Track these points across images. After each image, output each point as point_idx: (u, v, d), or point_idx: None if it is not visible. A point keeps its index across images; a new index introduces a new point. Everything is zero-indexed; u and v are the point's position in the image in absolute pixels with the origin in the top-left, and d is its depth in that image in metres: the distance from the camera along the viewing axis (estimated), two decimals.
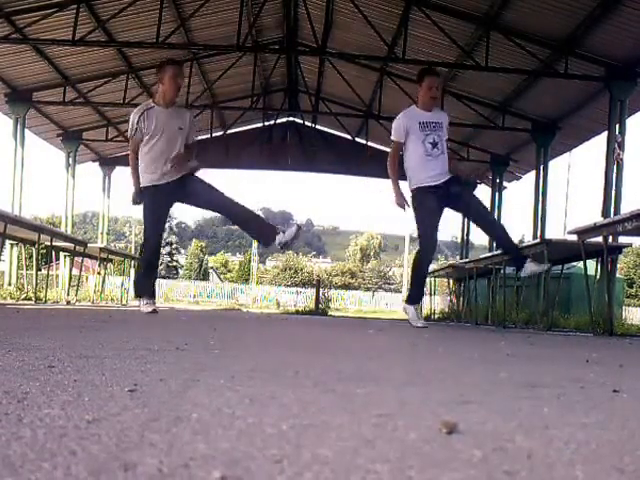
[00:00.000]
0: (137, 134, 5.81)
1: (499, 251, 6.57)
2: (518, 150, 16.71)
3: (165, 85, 5.84)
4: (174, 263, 67.17)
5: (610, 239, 7.58)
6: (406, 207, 6.02)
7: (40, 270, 13.99)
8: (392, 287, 68.62)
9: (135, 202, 5.91)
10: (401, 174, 6.08)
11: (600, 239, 7.17)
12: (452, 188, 5.94)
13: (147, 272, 6.12)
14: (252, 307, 30.12)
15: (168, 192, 5.82)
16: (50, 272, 14.76)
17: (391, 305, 40.28)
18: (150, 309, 5.90)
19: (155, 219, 5.92)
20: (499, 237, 6.33)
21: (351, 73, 15.52)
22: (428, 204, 5.90)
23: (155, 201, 5.84)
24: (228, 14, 13.51)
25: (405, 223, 47.79)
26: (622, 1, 9.34)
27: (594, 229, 7.00)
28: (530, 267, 6.06)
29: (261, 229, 6.11)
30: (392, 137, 6.08)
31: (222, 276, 75.12)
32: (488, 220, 6.33)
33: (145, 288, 6.08)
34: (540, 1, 10.28)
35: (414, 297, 6.26)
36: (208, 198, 5.98)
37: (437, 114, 6.06)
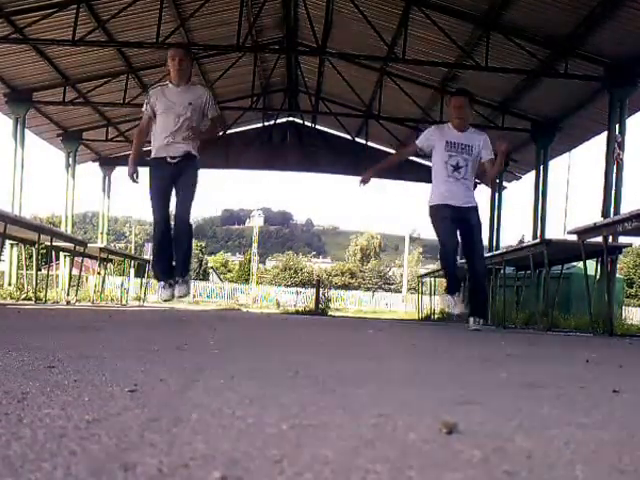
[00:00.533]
0: (147, 110, 5.89)
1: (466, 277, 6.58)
2: (518, 150, 16.71)
3: (168, 69, 5.98)
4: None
5: (610, 239, 7.58)
6: (362, 185, 6.09)
7: (40, 270, 13.99)
8: (392, 287, 68.63)
9: (131, 177, 5.91)
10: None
11: (600, 239, 7.17)
12: (468, 216, 5.96)
13: (159, 255, 6.10)
14: (252, 307, 30.12)
15: (167, 166, 5.84)
16: (50, 272, 14.76)
17: (391, 305, 40.26)
18: (165, 295, 5.87)
19: (158, 194, 5.90)
20: (476, 279, 6.25)
21: (351, 73, 15.52)
22: (442, 214, 5.94)
23: (156, 174, 5.87)
24: (228, 14, 13.51)
25: (405, 223, 47.78)
26: (622, 1, 9.34)
27: (594, 229, 7.00)
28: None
29: (175, 261, 6.09)
30: (417, 141, 6.13)
31: (222, 276, 75.14)
32: (480, 263, 6.22)
33: (160, 271, 6.06)
34: (540, 1, 10.28)
35: (450, 287, 6.29)
36: (179, 193, 5.95)
37: (470, 136, 5.95)
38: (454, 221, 5.93)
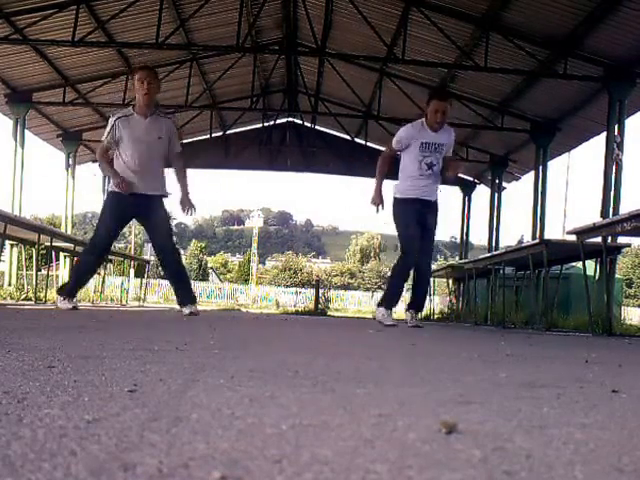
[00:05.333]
0: (109, 140, 5.71)
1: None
2: (517, 150, 16.72)
3: (136, 91, 5.74)
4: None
5: (609, 239, 7.59)
6: (379, 208, 6.06)
7: (40, 270, 13.98)
8: None
9: (121, 187, 5.79)
10: (389, 173, 6.13)
11: (599, 239, 7.18)
12: (428, 213, 5.98)
13: (81, 271, 6.10)
14: (252, 307, 30.11)
15: (131, 203, 5.72)
16: (50, 272, 14.76)
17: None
18: (70, 305, 5.85)
19: (111, 220, 5.84)
20: (420, 273, 6.21)
21: (350, 74, 15.53)
22: (409, 212, 5.93)
23: (113, 204, 5.77)
24: (228, 15, 13.52)
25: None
26: (621, 2, 9.34)
27: (593, 229, 7.01)
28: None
29: (183, 294, 6.15)
30: (393, 144, 6.09)
31: (222, 276, 75.14)
32: (426, 260, 6.16)
33: (70, 289, 6.03)
34: (539, 2, 10.29)
35: (387, 301, 6.27)
36: (160, 234, 5.88)
37: (442, 134, 5.99)
38: (419, 214, 5.92)
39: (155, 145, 5.68)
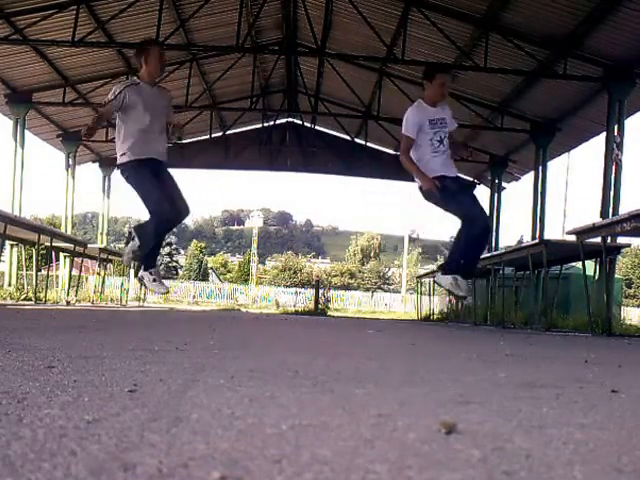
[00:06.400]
0: (115, 102, 5.73)
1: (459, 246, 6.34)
2: (517, 151, 16.72)
3: (151, 64, 5.81)
4: (174, 263, 67.11)
5: (609, 239, 7.59)
6: (438, 192, 5.91)
7: (40, 271, 13.98)
8: (391, 287, 68.64)
9: (84, 133, 5.74)
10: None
11: (599, 239, 7.18)
12: (461, 183, 5.95)
13: (156, 245, 6.06)
14: (251, 307, 30.11)
15: (152, 166, 5.80)
16: (50, 273, 14.75)
17: (390, 306, 40.26)
18: (163, 289, 5.81)
19: (154, 188, 5.85)
20: (469, 242, 5.87)
21: (350, 74, 15.53)
22: (448, 186, 5.85)
23: (146, 174, 5.80)
24: (227, 15, 13.52)
25: (404, 224, 47.77)
26: (621, 2, 9.35)
27: (593, 230, 7.00)
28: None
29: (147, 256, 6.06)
30: (404, 132, 5.94)
31: (222, 276, 75.07)
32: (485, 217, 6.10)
33: (149, 261, 6.01)
34: (539, 2, 10.29)
35: (450, 267, 6.11)
36: (178, 196, 5.92)
37: (441, 109, 5.97)
38: (451, 185, 5.86)
39: (162, 113, 5.81)
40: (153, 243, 6.10)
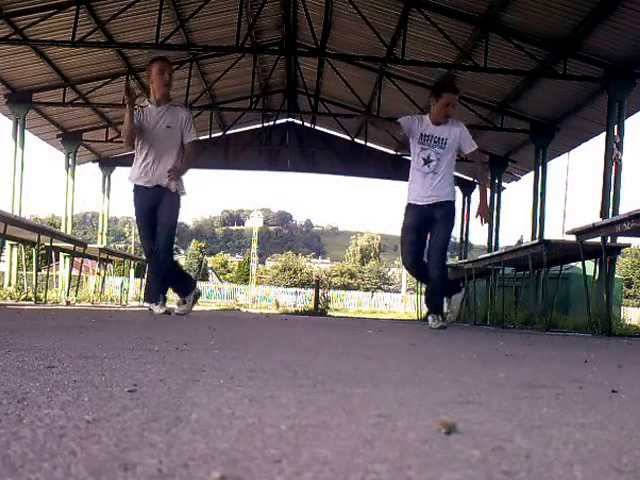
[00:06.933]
0: (136, 119, 5.75)
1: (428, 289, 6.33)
2: (517, 151, 16.73)
3: (154, 82, 5.76)
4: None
5: (608, 240, 7.59)
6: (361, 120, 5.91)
7: (40, 271, 13.98)
8: (391, 288, 68.66)
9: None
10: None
11: (599, 240, 7.18)
12: (435, 212, 5.69)
13: (151, 279, 6.15)
14: (251, 307, 30.12)
15: (148, 195, 5.72)
16: (50, 273, 14.76)
17: (390, 306, 40.28)
18: (162, 310, 5.89)
19: (140, 220, 5.84)
20: (434, 275, 5.85)
21: (350, 74, 15.53)
22: (408, 221, 5.83)
23: (137, 201, 5.79)
24: (227, 15, 13.52)
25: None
26: (621, 2, 9.35)
27: (593, 230, 7.01)
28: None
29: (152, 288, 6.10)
30: (400, 120, 5.87)
31: (221, 276, 75.08)
32: (433, 270, 5.81)
33: (150, 295, 6.10)
34: (539, 2, 10.29)
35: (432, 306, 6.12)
36: (159, 228, 5.82)
37: (448, 129, 5.74)
38: (420, 223, 5.76)
39: (164, 134, 5.67)
40: (150, 276, 6.21)
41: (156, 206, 5.71)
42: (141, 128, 5.64)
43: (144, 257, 6.24)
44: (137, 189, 5.73)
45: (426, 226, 5.75)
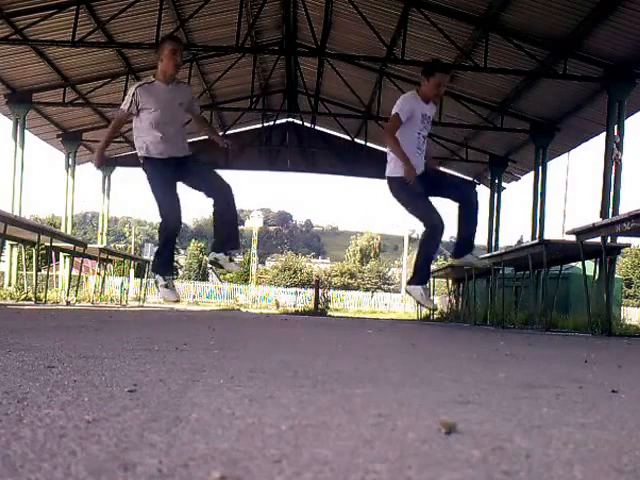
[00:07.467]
0: (131, 107, 5.76)
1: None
2: (517, 151, 16.73)
3: (164, 62, 5.80)
4: (173, 263, 67.12)
5: (608, 240, 7.58)
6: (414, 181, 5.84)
7: (40, 271, 13.98)
8: (391, 287, 68.66)
9: (97, 165, 5.84)
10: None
11: (599, 240, 7.18)
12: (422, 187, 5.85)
13: (165, 250, 6.05)
14: (251, 307, 30.11)
15: (170, 166, 5.80)
16: (50, 273, 14.76)
17: (390, 306, 40.27)
18: (173, 297, 5.83)
19: (167, 193, 5.86)
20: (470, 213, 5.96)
21: (350, 74, 15.53)
22: (418, 189, 5.78)
23: (160, 175, 5.81)
24: (227, 15, 13.52)
25: (405, 223, 47.74)
26: (621, 2, 9.35)
27: (593, 230, 7.00)
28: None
29: (229, 237, 6.05)
30: (397, 111, 5.79)
31: (221, 276, 75.06)
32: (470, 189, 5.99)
33: (162, 266, 5.99)
34: (539, 2, 10.29)
35: (419, 277, 6.11)
36: (209, 181, 5.90)
37: (432, 106, 5.85)
38: (424, 186, 5.69)
39: (178, 111, 5.79)
40: (161, 247, 6.13)
41: (180, 178, 5.81)
42: (152, 104, 5.71)
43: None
44: (158, 161, 5.78)
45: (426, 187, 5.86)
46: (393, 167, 5.80)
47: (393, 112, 5.71)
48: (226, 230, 5.88)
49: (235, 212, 5.97)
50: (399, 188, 5.74)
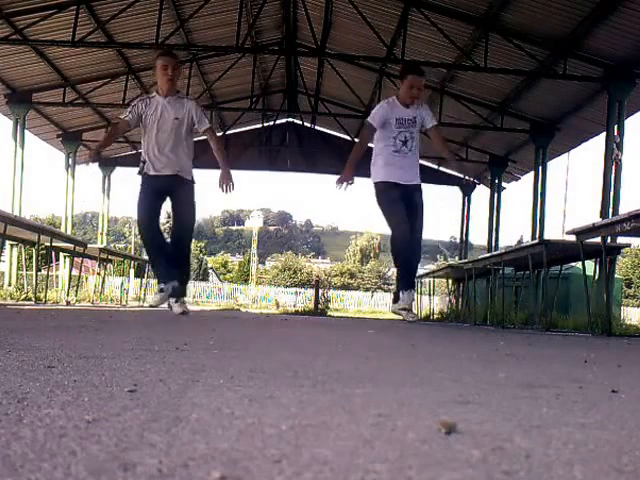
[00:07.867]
0: (128, 116, 5.77)
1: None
2: (517, 151, 16.73)
3: (157, 78, 5.83)
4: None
5: (608, 240, 7.59)
6: (345, 187, 5.92)
7: (40, 271, 13.98)
8: (391, 288, 68.65)
9: (90, 159, 6.05)
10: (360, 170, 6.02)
11: (599, 240, 7.18)
12: (413, 195, 5.87)
13: (155, 259, 6.09)
14: (251, 307, 30.12)
15: (158, 185, 5.79)
16: (50, 273, 14.76)
17: (390, 306, 40.27)
18: (180, 310, 5.90)
19: (145, 207, 5.87)
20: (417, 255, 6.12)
21: (350, 74, 15.54)
22: (392, 195, 5.84)
23: (145, 190, 5.83)
24: (227, 15, 13.53)
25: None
26: (621, 2, 9.35)
27: (593, 230, 7.00)
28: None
29: (176, 278, 6.06)
30: (369, 119, 5.97)
31: (221, 276, 75.11)
32: (416, 236, 5.98)
33: (163, 274, 6.01)
34: (539, 2, 10.29)
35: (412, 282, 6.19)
36: (179, 210, 5.94)
37: (415, 110, 5.90)
38: (402, 200, 5.81)
39: (175, 126, 5.73)
40: (150, 257, 6.20)
41: (168, 194, 5.83)
42: (147, 119, 5.71)
43: (145, 257, 6.28)
44: (147, 177, 5.79)
45: (406, 203, 5.86)
46: (374, 172, 5.94)
47: (366, 120, 5.98)
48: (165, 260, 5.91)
49: (183, 251, 6.03)
50: (377, 192, 5.92)
